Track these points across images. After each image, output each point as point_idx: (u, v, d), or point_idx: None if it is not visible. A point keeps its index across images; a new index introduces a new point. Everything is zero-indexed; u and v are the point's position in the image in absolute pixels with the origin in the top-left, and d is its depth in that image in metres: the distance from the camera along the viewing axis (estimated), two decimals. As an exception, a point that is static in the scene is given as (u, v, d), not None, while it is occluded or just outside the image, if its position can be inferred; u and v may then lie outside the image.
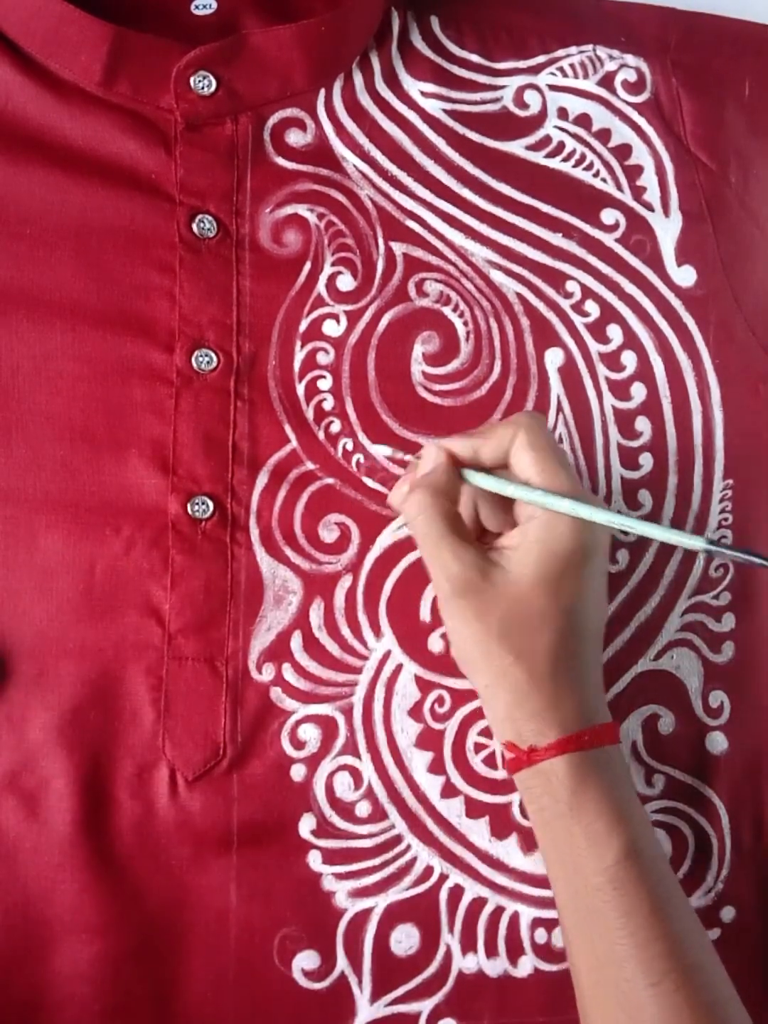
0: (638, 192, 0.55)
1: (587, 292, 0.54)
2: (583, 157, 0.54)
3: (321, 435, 0.51)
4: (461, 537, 0.43)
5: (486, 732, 0.50)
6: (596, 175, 0.54)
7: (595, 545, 0.43)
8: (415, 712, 0.50)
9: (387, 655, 0.50)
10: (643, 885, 0.40)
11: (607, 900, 0.40)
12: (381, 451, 0.50)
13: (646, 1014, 0.38)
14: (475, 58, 0.54)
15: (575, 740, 0.41)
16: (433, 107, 0.53)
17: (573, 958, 0.42)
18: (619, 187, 0.54)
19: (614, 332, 0.54)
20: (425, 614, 0.50)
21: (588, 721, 0.42)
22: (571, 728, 0.42)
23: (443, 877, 0.49)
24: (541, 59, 0.55)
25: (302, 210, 0.52)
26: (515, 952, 0.50)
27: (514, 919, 0.50)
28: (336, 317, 0.52)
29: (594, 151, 0.54)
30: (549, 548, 0.42)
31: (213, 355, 0.50)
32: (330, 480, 0.51)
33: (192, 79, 0.50)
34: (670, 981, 0.38)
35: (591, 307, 0.54)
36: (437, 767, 0.50)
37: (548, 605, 0.42)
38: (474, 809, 0.50)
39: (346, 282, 0.52)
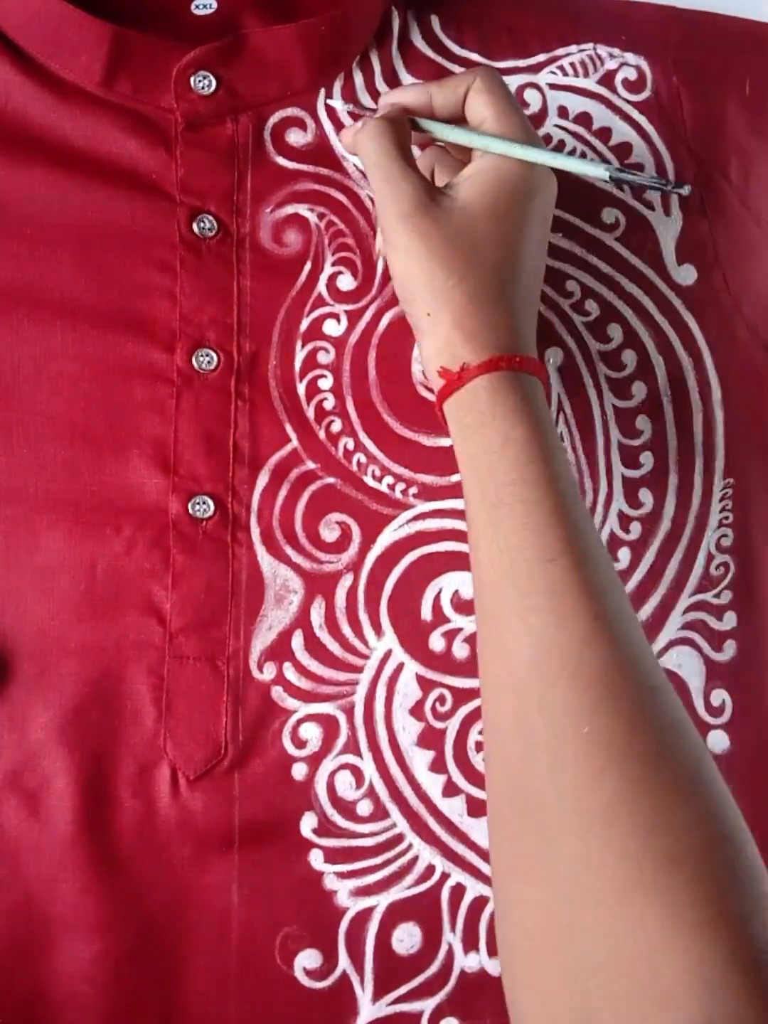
0: (638, 191, 0.55)
1: (587, 291, 0.54)
2: (583, 156, 0.54)
3: (322, 434, 0.51)
4: (412, 166, 0.44)
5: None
6: (596, 174, 0.54)
7: (541, 183, 0.45)
8: (416, 711, 0.50)
9: (388, 654, 0.50)
10: (551, 485, 0.40)
11: (516, 494, 0.40)
12: (340, 105, 0.51)
13: (539, 588, 0.39)
14: (475, 57, 0.54)
15: (506, 360, 0.42)
16: (433, 106, 0.53)
17: (475, 554, 0.42)
18: (619, 186, 0.54)
19: (614, 331, 0.54)
20: (426, 613, 0.50)
21: (521, 349, 0.43)
22: (503, 350, 0.42)
23: (445, 876, 0.49)
24: (541, 58, 0.55)
25: (302, 210, 0.52)
26: (517, 951, 0.50)
27: (516, 918, 0.50)
28: (337, 317, 0.52)
29: (594, 150, 0.55)
30: (499, 177, 0.44)
31: (214, 355, 0.50)
32: (331, 479, 0.51)
33: (192, 79, 0.50)
34: (565, 559, 0.39)
35: (591, 306, 0.54)
36: (438, 766, 0.50)
37: (492, 231, 0.43)
38: (476, 808, 0.50)
39: (346, 282, 0.52)
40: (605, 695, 0.37)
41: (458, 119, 0.46)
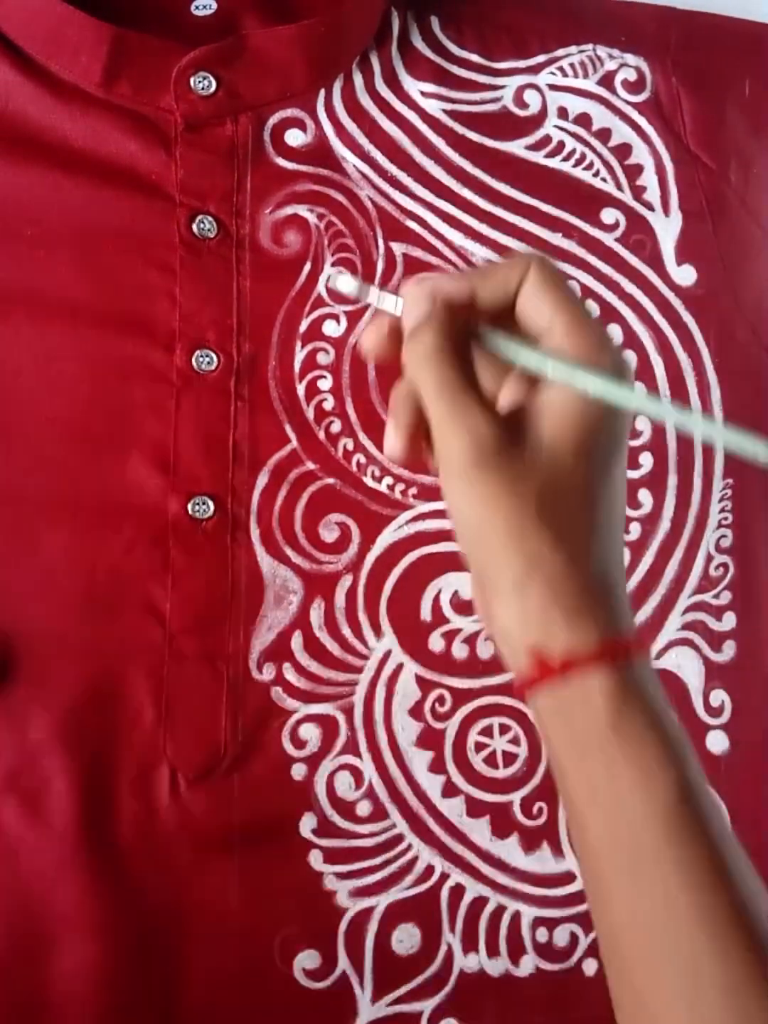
0: (638, 191, 0.55)
1: (587, 292, 0.54)
2: (583, 157, 0.54)
3: (321, 435, 0.51)
4: (478, 395, 0.35)
5: (487, 731, 0.50)
6: (596, 175, 0.54)
7: (628, 412, 0.36)
8: (415, 711, 0.50)
9: (387, 654, 0.50)
10: (703, 836, 0.33)
11: (661, 850, 0.32)
12: (347, 283, 0.39)
13: (710, 981, 0.31)
14: (475, 58, 0.54)
15: (622, 648, 0.33)
16: (433, 107, 0.53)
17: (612, 908, 0.34)
18: (619, 186, 0.54)
19: (614, 331, 0.54)
20: (426, 613, 0.50)
21: (629, 625, 0.34)
22: (614, 631, 0.34)
23: (444, 876, 0.49)
24: (541, 59, 0.55)
25: (302, 210, 0.52)
26: (516, 952, 0.50)
27: (515, 918, 0.50)
28: (336, 318, 0.52)
29: (594, 151, 0.55)
30: (592, 407, 0.34)
31: (213, 355, 0.50)
32: (330, 480, 0.51)
33: (192, 80, 0.50)
34: (739, 949, 0.31)
35: (590, 307, 0.54)
36: (438, 766, 0.50)
37: (591, 476, 0.35)
38: (475, 808, 0.50)
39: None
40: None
41: (507, 313, 0.37)
